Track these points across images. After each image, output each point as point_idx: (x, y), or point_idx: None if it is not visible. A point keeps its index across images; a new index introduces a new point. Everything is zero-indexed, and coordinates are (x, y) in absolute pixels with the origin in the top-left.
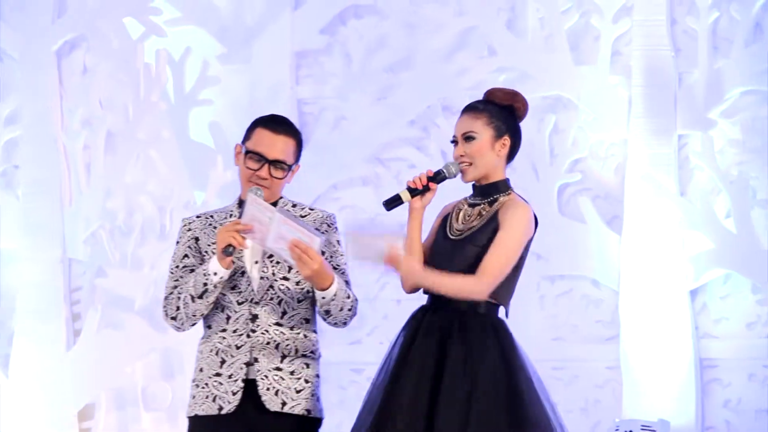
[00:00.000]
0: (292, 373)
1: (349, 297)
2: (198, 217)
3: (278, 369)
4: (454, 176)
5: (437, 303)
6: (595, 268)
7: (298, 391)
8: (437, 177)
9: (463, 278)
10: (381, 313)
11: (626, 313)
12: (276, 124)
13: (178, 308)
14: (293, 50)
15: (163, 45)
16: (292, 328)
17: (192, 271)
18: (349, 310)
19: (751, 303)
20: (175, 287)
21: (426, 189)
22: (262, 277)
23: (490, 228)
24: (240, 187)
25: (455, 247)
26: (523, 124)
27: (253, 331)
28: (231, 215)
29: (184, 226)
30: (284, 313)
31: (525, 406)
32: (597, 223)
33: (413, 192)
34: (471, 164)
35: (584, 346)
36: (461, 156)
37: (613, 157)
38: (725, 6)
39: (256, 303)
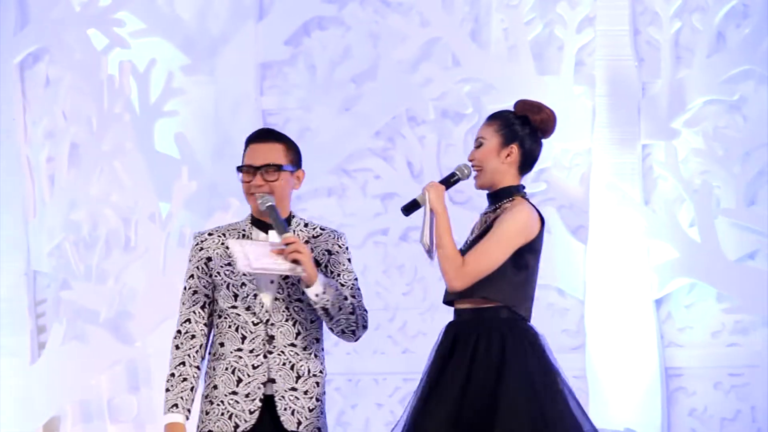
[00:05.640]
0: (305, 392)
1: (346, 299)
2: (210, 234)
3: (293, 389)
4: (467, 177)
5: (463, 315)
6: (560, 278)
7: (310, 410)
8: (451, 179)
9: (453, 262)
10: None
11: (592, 322)
12: (259, 135)
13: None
14: (257, 61)
15: (127, 56)
16: (305, 349)
17: (195, 293)
18: (351, 313)
19: (715, 312)
20: (185, 320)
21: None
22: (276, 299)
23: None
24: (249, 206)
25: None
26: None
27: (270, 352)
28: (243, 233)
29: (196, 245)
30: (298, 333)
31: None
32: (562, 232)
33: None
34: (481, 169)
35: None
36: (471, 160)
37: (578, 167)
38: (687, 16)
39: (272, 324)
